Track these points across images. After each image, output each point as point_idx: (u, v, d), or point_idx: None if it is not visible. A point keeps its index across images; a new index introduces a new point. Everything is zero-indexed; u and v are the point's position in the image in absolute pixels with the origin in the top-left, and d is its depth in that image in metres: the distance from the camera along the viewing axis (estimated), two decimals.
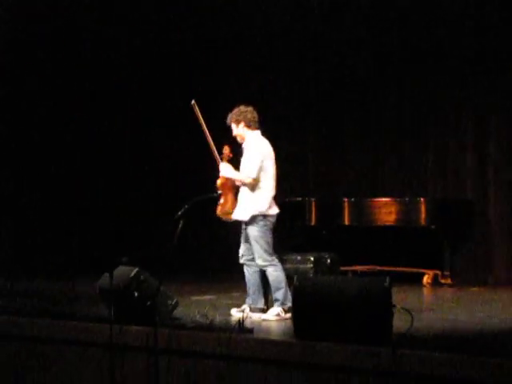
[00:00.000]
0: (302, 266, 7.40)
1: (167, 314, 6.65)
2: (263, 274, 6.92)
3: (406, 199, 9.90)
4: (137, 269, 6.65)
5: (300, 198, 10.30)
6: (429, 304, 8.78)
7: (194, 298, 8.25)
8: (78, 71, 11.28)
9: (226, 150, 7.08)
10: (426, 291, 9.61)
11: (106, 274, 6.48)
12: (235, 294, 8.64)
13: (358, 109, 10.91)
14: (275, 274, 6.79)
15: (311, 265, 7.37)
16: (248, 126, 6.89)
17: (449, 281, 9.84)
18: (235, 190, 7.01)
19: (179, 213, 6.19)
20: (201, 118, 7.15)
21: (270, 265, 6.80)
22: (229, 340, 5.80)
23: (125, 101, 11.52)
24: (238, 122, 6.92)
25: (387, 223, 9.90)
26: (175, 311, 6.83)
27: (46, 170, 11.31)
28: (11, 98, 11.09)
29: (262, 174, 6.77)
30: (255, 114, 6.91)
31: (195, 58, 11.37)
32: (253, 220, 6.79)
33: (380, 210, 9.89)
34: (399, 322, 5.76)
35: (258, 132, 6.97)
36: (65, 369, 6.58)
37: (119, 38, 11.29)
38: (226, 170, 6.98)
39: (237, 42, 11.29)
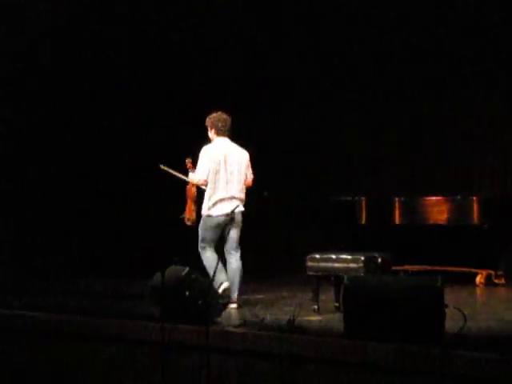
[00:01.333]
0: (352, 266, 7.35)
1: (218, 313, 6.68)
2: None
3: (458, 198, 9.79)
4: (188, 268, 6.68)
5: (349, 197, 10.25)
6: (482, 304, 8.68)
7: (245, 297, 8.26)
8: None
9: (188, 163, 7.78)
10: (478, 291, 9.50)
11: (158, 273, 6.53)
12: (285, 294, 8.64)
13: (410, 109, 10.86)
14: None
15: (361, 264, 7.31)
16: (216, 132, 7.61)
17: (502, 281, 9.71)
18: (194, 198, 7.82)
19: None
20: (174, 173, 7.92)
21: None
22: (279, 339, 5.80)
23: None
24: (210, 128, 7.66)
25: (439, 222, 9.80)
26: (226, 310, 6.86)
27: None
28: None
29: (212, 177, 7.45)
30: (225, 123, 7.58)
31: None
32: (202, 218, 7.65)
33: (431, 208, 9.79)
34: (451, 322, 5.70)
35: (223, 139, 7.61)
36: (116, 367, 6.64)
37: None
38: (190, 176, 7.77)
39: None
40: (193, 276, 6.63)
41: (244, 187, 7.67)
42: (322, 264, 7.49)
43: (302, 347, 5.76)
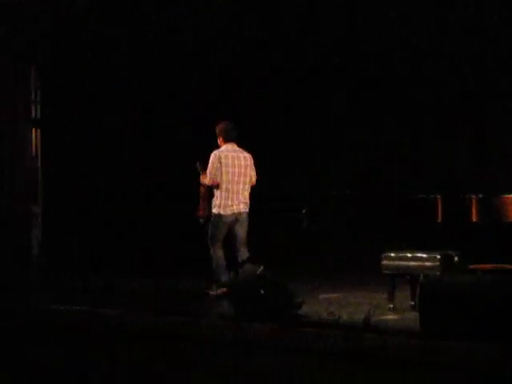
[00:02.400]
0: (428, 264, 7.28)
1: (293, 312, 6.67)
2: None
3: None
4: (263, 266, 6.70)
5: (425, 195, 10.12)
6: None
7: (321, 296, 8.24)
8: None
9: (199, 166, 8.39)
10: None
11: (233, 272, 6.57)
12: (360, 293, 8.59)
13: (484, 106, 10.68)
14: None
15: (438, 263, 7.24)
16: (224, 139, 8.36)
17: None
18: (205, 198, 8.43)
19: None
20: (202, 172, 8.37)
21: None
22: (355, 338, 5.77)
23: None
24: (218, 135, 8.40)
25: None
26: (301, 309, 6.85)
27: None
28: None
29: (220, 179, 8.17)
30: (232, 130, 8.37)
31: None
32: (213, 216, 8.25)
33: (510, 206, 9.60)
34: None
35: (231, 144, 8.34)
36: (194, 366, 6.67)
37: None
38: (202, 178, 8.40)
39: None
40: (268, 275, 6.65)
41: (249, 187, 8.35)
42: (398, 262, 7.44)
43: (377, 346, 5.71)
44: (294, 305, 6.74)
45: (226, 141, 8.37)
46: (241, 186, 8.22)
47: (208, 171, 8.22)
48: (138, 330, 6.94)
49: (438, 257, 7.21)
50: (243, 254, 8.16)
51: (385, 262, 7.46)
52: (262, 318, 6.42)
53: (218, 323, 6.65)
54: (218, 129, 8.42)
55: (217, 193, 8.23)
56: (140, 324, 7.01)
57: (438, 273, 7.08)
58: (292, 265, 9.74)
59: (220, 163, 8.18)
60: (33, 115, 10.55)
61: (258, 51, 11.06)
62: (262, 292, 6.51)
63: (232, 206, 8.19)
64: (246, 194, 8.26)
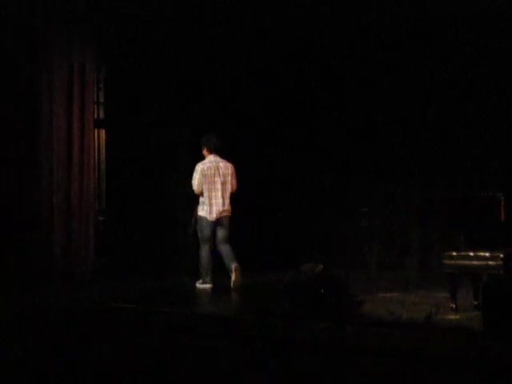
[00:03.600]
0: (490, 263, 7.16)
1: (353, 311, 6.63)
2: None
3: None
4: (322, 265, 6.68)
5: (489, 193, 9.97)
6: None
7: (381, 295, 8.18)
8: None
9: None
10: None
11: (292, 270, 6.55)
12: (422, 292, 8.51)
13: None
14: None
15: (500, 262, 7.11)
16: (208, 150, 9.27)
17: None
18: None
19: None
20: None
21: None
22: (416, 337, 5.70)
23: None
24: (203, 147, 9.31)
25: None
26: (361, 308, 6.80)
27: None
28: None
29: (203, 188, 9.17)
30: (215, 143, 9.24)
31: None
32: (199, 219, 9.32)
33: None
34: None
35: (213, 155, 9.24)
36: (248, 367, 6.66)
37: None
38: None
39: None
40: (328, 273, 6.62)
41: (230, 194, 9.27)
42: (460, 261, 7.34)
43: (439, 346, 5.64)
44: (354, 304, 6.70)
45: (210, 152, 9.29)
46: (221, 194, 9.19)
47: (193, 182, 9.25)
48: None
49: (501, 255, 7.08)
50: (224, 249, 9.17)
51: (446, 261, 7.36)
52: (321, 316, 6.39)
53: (275, 322, 6.62)
54: (202, 141, 9.34)
55: (201, 199, 9.25)
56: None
57: (502, 272, 6.96)
58: (351, 263, 9.71)
59: (203, 175, 9.17)
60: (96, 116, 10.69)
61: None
62: (322, 291, 6.48)
63: (213, 210, 9.18)
64: (227, 200, 9.24)
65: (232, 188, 9.31)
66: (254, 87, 11.27)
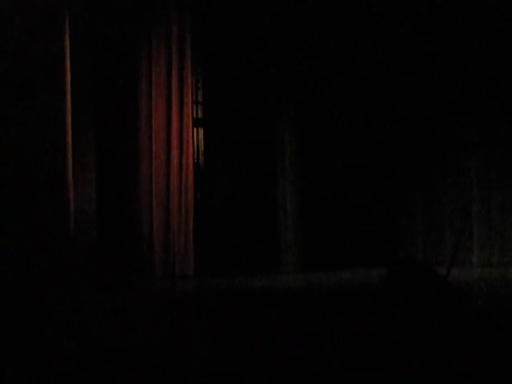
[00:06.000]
0: None
1: (457, 307, 6.43)
2: None
3: None
4: (421, 261, 6.56)
5: None
6: None
7: (486, 290, 7.96)
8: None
9: None
10: None
11: (391, 267, 6.44)
12: None
13: None
14: None
15: None
16: None
17: None
18: None
19: None
20: None
21: None
22: None
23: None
24: None
25: None
26: (466, 305, 6.61)
27: None
28: None
29: None
30: None
31: None
32: None
33: None
34: None
35: None
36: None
37: None
38: None
39: None
40: (427, 268, 6.47)
41: None
42: None
43: None
44: (459, 301, 6.52)
45: None
46: None
47: None
48: None
49: None
50: None
51: None
52: (423, 313, 6.23)
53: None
54: None
55: None
56: None
57: None
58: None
59: None
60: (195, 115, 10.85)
61: None
62: (422, 286, 6.33)
63: None
64: None
65: None
66: (351, 88, 11.26)
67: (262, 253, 10.82)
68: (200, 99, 11.09)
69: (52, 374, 4.20)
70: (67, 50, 9.37)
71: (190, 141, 10.35)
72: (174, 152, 10.19)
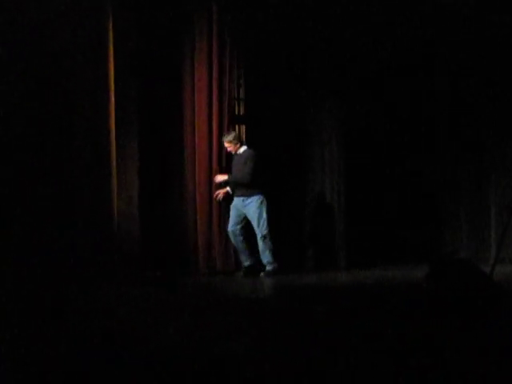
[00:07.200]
0: None
1: (496, 304, 6.45)
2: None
3: None
4: (465, 257, 6.55)
5: None
6: None
7: None
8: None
9: None
10: None
11: (432, 263, 6.44)
12: None
13: None
14: None
15: None
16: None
17: None
18: None
19: None
20: None
21: None
22: None
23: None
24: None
25: None
26: (503, 301, 6.60)
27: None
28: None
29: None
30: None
31: None
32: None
33: None
34: None
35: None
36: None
37: None
38: None
39: None
40: (469, 264, 6.48)
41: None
42: None
43: None
44: (496, 296, 6.51)
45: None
46: None
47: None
48: None
49: None
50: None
51: None
52: (463, 310, 6.24)
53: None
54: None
55: None
56: None
57: None
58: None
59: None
60: (236, 112, 10.85)
61: None
62: (463, 282, 6.34)
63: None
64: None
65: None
66: (394, 81, 11.25)
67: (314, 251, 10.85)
68: (242, 96, 11.11)
69: (113, 372, 4.16)
70: (110, 33, 9.40)
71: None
72: (214, 151, 10.26)
